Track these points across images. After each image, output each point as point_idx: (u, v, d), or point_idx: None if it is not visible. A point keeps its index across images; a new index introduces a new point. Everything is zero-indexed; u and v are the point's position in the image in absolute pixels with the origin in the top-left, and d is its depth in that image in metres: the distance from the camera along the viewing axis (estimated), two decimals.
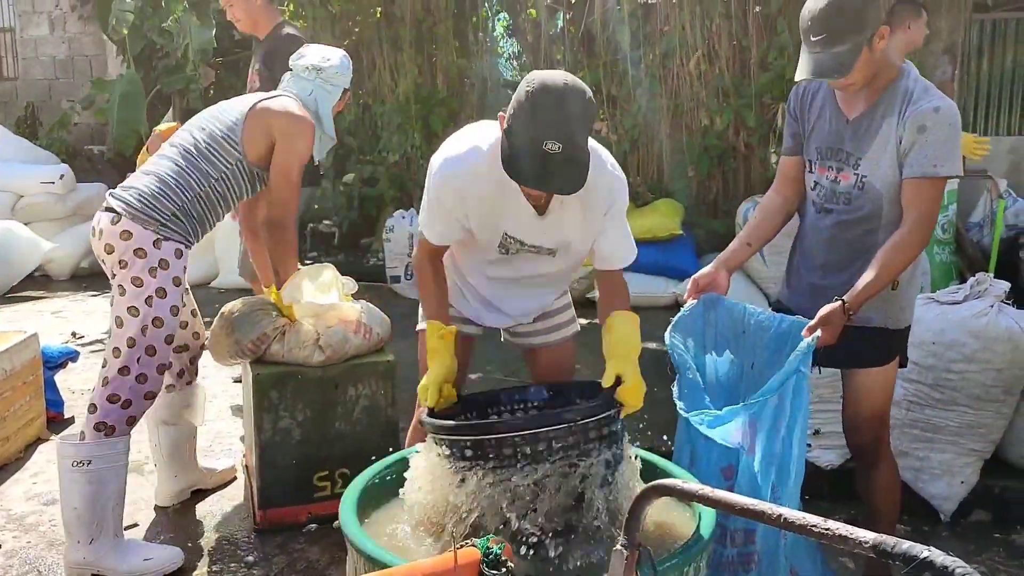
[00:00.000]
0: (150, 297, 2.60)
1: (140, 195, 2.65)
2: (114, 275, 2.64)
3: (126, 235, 2.60)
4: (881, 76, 2.24)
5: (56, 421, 3.93)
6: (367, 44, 7.21)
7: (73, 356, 4.28)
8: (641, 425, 3.79)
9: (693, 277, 2.45)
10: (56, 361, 4.10)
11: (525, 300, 2.47)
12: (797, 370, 2.12)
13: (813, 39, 2.17)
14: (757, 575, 2.19)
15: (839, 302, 2.17)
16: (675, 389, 2.23)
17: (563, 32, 6.85)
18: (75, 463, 2.58)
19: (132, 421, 2.64)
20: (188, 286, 2.87)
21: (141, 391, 2.62)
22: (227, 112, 2.85)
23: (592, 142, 2.08)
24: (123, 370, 2.60)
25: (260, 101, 2.87)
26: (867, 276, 2.18)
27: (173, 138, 2.84)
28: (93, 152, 9.80)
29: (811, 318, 2.19)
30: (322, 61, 2.98)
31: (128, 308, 2.61)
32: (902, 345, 2.42)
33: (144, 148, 3.56)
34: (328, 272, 2.98)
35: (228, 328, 2.88)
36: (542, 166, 1.91)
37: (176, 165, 2.72)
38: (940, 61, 5.85)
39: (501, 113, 2.03)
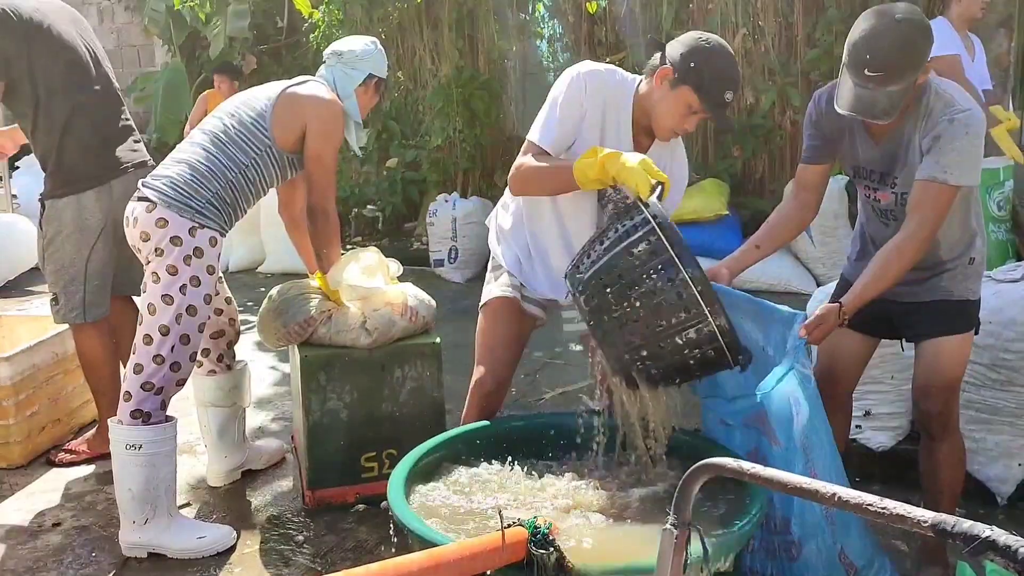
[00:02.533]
0: (184, 285, 2.62)
1: (173, 183, 2.66)
2: (148, 262, 2.66)
3: (162, 223, 2.61)
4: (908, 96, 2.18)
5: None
6: (407, 28, 7.21)
7: None
8: (686, 406, 3.76)
9: (707, 269, 2.43)
10: None
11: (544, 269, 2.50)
12: (791, 367, 2.11)
13: (868, 74, 2.06)
14: (803, 564, 2.16)
15: (836, 304, 2.18)
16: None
17: (605, 12, 6.78)
18: (128, 446, 2.63)
19: (164, 406, 2.70)
20: (222, 274, 2.95)
21: (174, 379, 2.67)
22: (257, 99, 2.84)
23: None
24: (157, 358, 2.63)
25: (289, 87, 2.85)
26: (864, 279, 2.20)
27: (204, 124, 2.84)
28: None
29: (902, 300, 2.25)
30: (343, 46, 2.97)
31: (162, 296, 2.63)
32: (977, 314, 2.43)
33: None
34: (373, 255, 2.99)
35: (275, 312, 2.92)
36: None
37: (207, 152, 2.71)
38: (996, 34, 5.67)
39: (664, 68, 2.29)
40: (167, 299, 2.63)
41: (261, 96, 2.85)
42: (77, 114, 3.10)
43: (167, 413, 2.72)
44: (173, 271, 2.62)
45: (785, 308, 2.28)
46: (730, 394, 2.34)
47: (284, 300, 2.92)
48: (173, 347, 2.63)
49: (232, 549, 2.76)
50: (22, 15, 3.02)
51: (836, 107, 2.18)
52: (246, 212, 2.86)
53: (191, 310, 2.64)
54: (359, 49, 2.96)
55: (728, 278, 2.40)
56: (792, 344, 2.15)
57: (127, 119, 3.30)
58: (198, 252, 2.64)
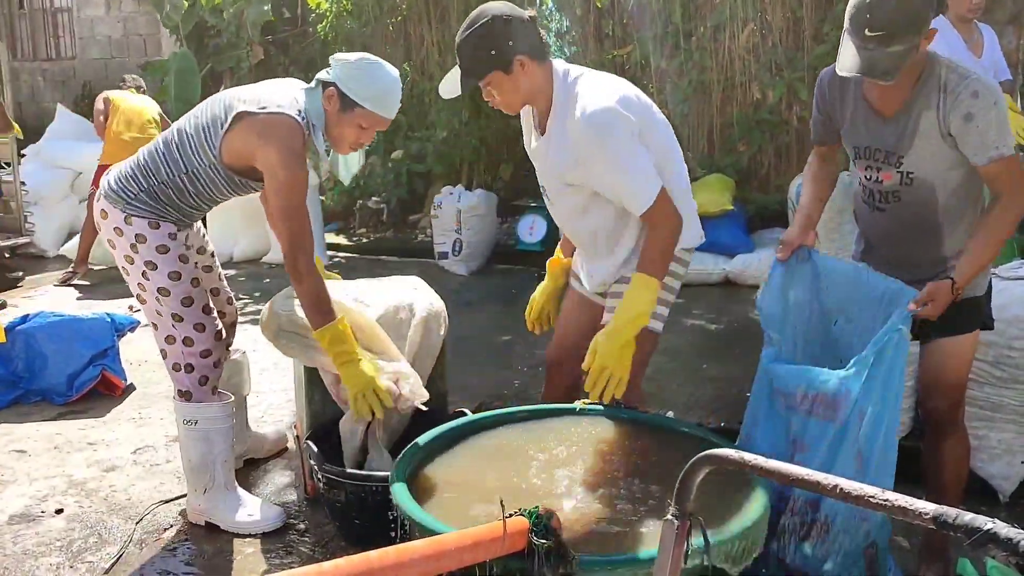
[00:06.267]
0: (144, 272, 2.66)
1: (116, 177, 2.70)
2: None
3: (103, 215, 2.68)
4: (913, 67, 2.16)
5: (116, 391, 4.04)
6: (415, 19, 7.20)
7: (134, 326, 4.43)
8: (691, 401, 3.77)
9: (782, 238, 2.47)
10: (123, 329, 4.29)
11: (591, 262, 2.58)
12: (898, 329, 2.11)
13: (869, 34, 2.06)
14: (828, 541, 2.16)
15: (948, 280, 2.16)
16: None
17: (613, 6, 6.76)
18: (185, 421, 2.77)
19: (205, 381, 2.76)
20: (213, 251, 2.98)
21: (194, 353, 2.72)
22: (218, 107, 2.61)
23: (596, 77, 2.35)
24: (168, 339, 2.72)
25: (247, 109, 2.54)
26: (971, 253, 2.19)
27: (180, 119, 2.78)
28: None
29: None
30: (344, 56, 2.68)
31: (137, 285, 2.70)
32: (985, 308, 2.40)
33: None
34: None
35: (274, 314, 2.86)
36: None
37: (155, 149, 2.68)
38: (1005, 31, 5.64)
39: None
40: (140, 287, 2.69)
41: (220, 109, 2.60)
42: None
43: (221, 392, 2.83)
44: (130, 261, 2.67)
45: (892, 281, 2.26)
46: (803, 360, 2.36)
47: (282, 300, 2.85)
48: (172, 325, 2.70)
49: (233, 536, 2.77)
50: None
51: (838, 70, 2.17)
52: (201, 211, 2.75)
53: (163, 291, 2.66)
54: (351, 58, 2.60)
55: (815, 238, 2.45)
56: (898, 318, 2.14)
57: None
58: (140, 238, 2.64)
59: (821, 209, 2.54)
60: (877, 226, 2.40)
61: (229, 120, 2.55)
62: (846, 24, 2.13)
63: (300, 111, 2.55)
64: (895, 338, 2.11)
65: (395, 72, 2.63)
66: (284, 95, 2.58)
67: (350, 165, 2.84)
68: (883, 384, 2.10)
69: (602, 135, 2.27)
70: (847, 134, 2.36)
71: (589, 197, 2.43)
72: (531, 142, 2.53)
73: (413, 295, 2.88)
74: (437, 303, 2.92)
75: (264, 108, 2.53)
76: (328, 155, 2.70)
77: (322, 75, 2.61)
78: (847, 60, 2.13)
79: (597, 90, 2.32)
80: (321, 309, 2.49)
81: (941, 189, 2.24)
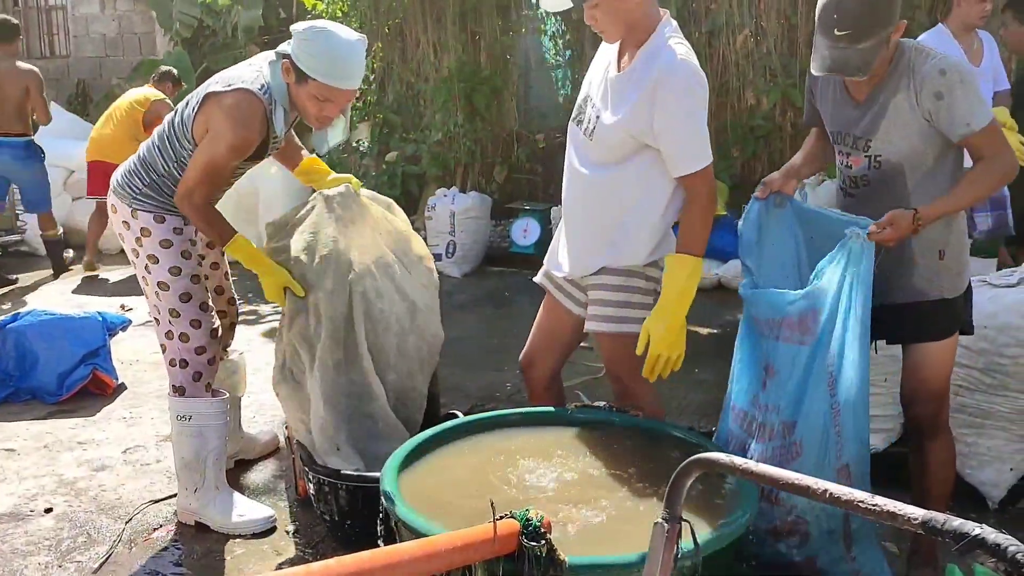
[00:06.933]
0: (147, 265, 2.72)
1: (123, 172, 2.77)
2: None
3: (113, 210, 2.77)
4: (886, 57, 2.20)
5: (107, 390, 4.02)
6: (411, 21, 7.20)
7: (125, 325, 4.42)
8: (682, 405, 3.78)
9: (764, 179, 2.50)
10: (115, 328, 4.29)
11: (574, 239, 2.54)
12: (856, 234, 2.13)
13: (838, 33, 2.11)
14: (810, 548, 2.18)
15: (911, 210, 2.16)
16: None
17: None
18: (178, 416, 2.78)
19: (199, 377, 2.77)
20: (228, 268, 3.01)
21: (190, 349, 2.74)
22: (198, 93, 2.65)
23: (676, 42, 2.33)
24: (167, 334, 2.75)
25: (213, 88, 2.59)
26: (946, 197, 2.19)
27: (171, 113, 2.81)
28: None
29: (883, 300, 2.22)
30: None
31: (141, 279, 2.78)
32: (965, 311, 2.38)
33: None
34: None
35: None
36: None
37: (152, 143, 2.74)
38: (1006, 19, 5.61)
39: None
40: (144, 281, 2.76)
41: (196, 96, 2.64)
42: None
43: (216, 390, 2.84)
44: (136, 254, 2.76)
45: (854, 217, 2.28)
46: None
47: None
48: (170, 321, 2.73)
49: (222, 538, 2.76)
50: None
51: (812, 70, 2.22)
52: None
53: (162, 286, 2.71)
54: (300, 28, 2.56)
55: (794, 188, 2.47)
56: (861, 236, 2.15)
57: None
58: (145, 232, 2.70)
59: (811, 168, 2.58)
60: (850, 213, 2.37)
61: (199, 102, 2.59)
62: (816, 23, 2.17)
63: (263, 86, 2.56)
64: (853, 247, 2.14)
65: (349, 38, 2.52)
66: (251, 71, 2.60)
67: (331, 137, 2.77)
68: (849, 296, 2.13)
69: (687, 85, 2.30)
70: (826, 120, 2.41)
71: (634, 150, 2.38)
72: (600, 74, 2.48)
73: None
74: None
75: (230, 86, 2.56)
76: (282, 132, 2.66)
77: (283, 47, 2.61)
78: (819, 60, 2.18)
79: (690, 52, 2.36)
80: (221, 229, 2.63)
81: (910, 174, 2.25)
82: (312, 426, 2.68)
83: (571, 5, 2.37)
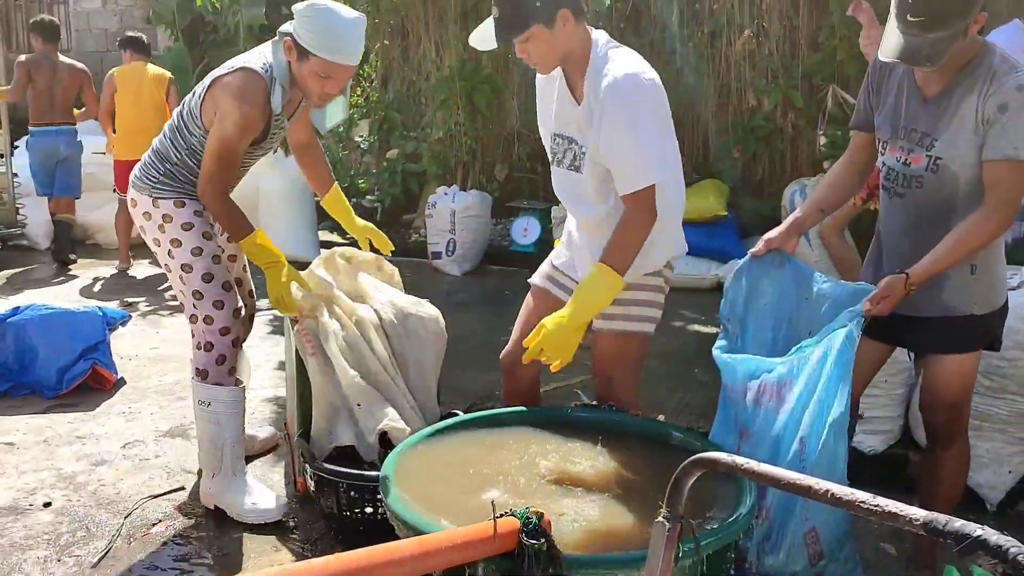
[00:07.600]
0: (170, 251, 2.76)
1: (141, 165, 2.83)
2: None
3: (133, 203, 2.84)
4: (963, 53, 2.10)
5: (107, 385, 4.03)
6: (413, 19, 7.20)
7: (125, 320, 4.43)
8: (680, 405, 3.79)
9: (764, 236, 2.43)
10: (115, 323, 4.29)
11: (584, 250, 2.50)
12: (844, 325, 2.10)
13: (911, 19, 1.99)
14: (767, 528, 2.18)
15: (902, 275, 2.12)
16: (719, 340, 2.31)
17: (611, 9, 6.78)
18: (200, 401, 2.83)
19: (223, 361, 2.80)
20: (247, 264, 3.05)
21: (214, 331, 2.78)
22: (204, 81, 2.74)
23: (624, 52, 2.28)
24: (192, 318, 2.80)
25: (218, 73, 2.67)
26: (936, 252, 2.12)
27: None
28: None
29: (902, 312, 2.17)
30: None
31: (165, 266, 2.82)
32: (993, 328, 2.31)
33: None
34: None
35: None
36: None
37: (164, 135, 2.82)
38: None
39: None
40: (167, 268, 2.81)
41: (203, 84, 2.72)
42: None
43: (237, 378, 2.88)
44: (157, 243, 2.80)
45: (853, 284, 2.27)
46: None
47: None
48: (194, 304, 2.77)
49: (222, 532, 2.77)
50: None
51: (880, 55, 2.11)
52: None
53: (185, 268, 2.75)
54: (300, 6, 2.62)
55: (796, 244, 2.41)
56: (856, 310, 2.13)
57: None
58: (167, 218, 2.75)
59: (817, 220, 2.51)
60: (892, 215, 2.33)
61: (205, 88, 2.68)
62: (892, 7, 2.08)
63: (264, 65, 2.63)
64: (842, 333, 2.11)
65: (349, 15, 2.56)
66: (254, 53, 2.71)
67: (331, 116, 2.82)
68: (829, 376, 2.10)
69: (628, 97, 2.22)
70: (888, 114, 2.28)
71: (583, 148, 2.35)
72: (555, 109, 2.43)
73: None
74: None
75: (233, 68, 2.66)
76: (279, 110, 2.67)
77: (285, 26, 2.66)
78: (890, 45, 2.07)
79: (630, 58, 2.29)
80: (239, 223, 2.66)
81: (964, 182, 2.16)
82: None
83: (495, 47, 2.32)
